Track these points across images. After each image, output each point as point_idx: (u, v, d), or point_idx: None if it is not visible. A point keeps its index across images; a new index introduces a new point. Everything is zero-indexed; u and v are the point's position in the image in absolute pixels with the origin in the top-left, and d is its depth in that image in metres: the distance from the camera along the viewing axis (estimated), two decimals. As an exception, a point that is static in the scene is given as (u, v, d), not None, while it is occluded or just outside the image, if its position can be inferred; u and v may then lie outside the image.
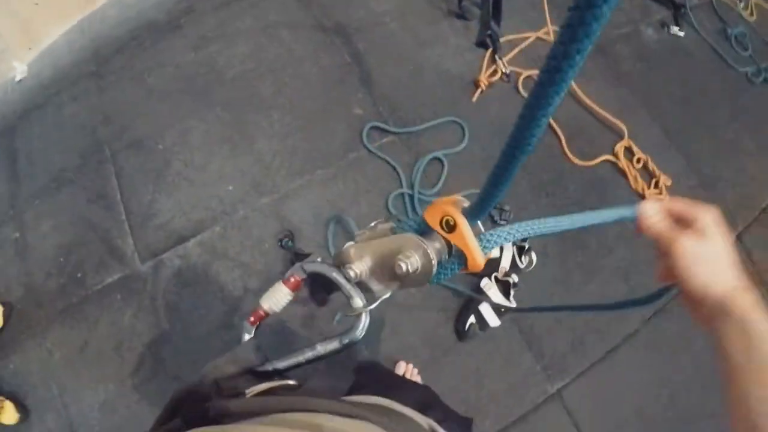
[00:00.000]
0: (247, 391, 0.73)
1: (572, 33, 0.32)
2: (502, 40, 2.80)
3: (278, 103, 2.59)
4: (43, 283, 2.29)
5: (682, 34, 3.21)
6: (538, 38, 2.92)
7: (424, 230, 0.70)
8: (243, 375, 0.82)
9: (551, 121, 2.66)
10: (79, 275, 2.28)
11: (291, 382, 0.80)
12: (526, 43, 2.90)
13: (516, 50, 2.86)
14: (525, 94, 2.74)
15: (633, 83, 2.95)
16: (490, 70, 2.75)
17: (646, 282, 2.42)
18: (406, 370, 2.12)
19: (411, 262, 0.68)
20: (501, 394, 2.18)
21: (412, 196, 2.40)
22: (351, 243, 0.80)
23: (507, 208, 2.40)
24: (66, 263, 2.31)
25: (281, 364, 0.82)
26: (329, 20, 2.85)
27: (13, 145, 2.62)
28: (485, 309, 2.21)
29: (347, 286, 0.78)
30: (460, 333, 2.21)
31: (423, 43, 2.84)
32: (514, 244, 2.31)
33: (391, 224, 0.78)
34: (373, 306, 0.76)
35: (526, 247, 2.30)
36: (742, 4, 3.56)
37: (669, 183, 2.65)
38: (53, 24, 2.91)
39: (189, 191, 2.39)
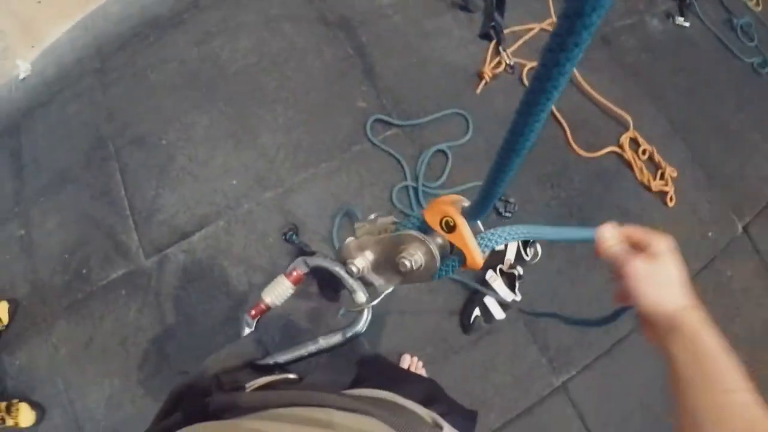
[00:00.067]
0: (247, 385, 0.73)
1: (570, 24, 0.31)
2: (506, 31, 2.78)
3: (281, 96, 2.59)
4: (49, 279, 2.30)
5: (687, 24, 3.18)
6: (543, 29, 2.90)
7: (426, 227, 0.70)
8: (244, 369, 0.81)
9: (556, 112, 2.65)
10: (84, 271, 2.29)
11: (291, 375, 0.80)
12: (531, 34, 2.88)
13: (520, 42, 2.84)
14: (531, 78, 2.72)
15: (638, 74, 2.93)
16: (494, 61, 2.74)
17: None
18: (411, 363, 2.11)
19: (415, 260, 0.69)
20: (506, 386, 2.17)
21: (416, 189, 2.39)
22: (351, 238, 0.80)
23: (512, 200, 2.38)
24: (71, 260, 2.32)
25: (283, 358, 0.82)
26: (332, 13, 2.84)
27: (18, 143, 2.63)
28: (490, 302, 2.20)
29: (350, 281, 0.79)
30: (465, 326, 2.20)
31: (426, 36, 2.82)
32: (519, 236, 2.29)
33: (392, 218, 0.78)
34: (375, 302, 0.77)
35: (531, 240, 2.29)
36: (747, -6, 3.53)
37: (675, 174, 2.62)
38: (56, 22, 2.92)
39: (193, 186, 2.39)
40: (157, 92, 2.63)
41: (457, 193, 2.26)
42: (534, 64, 2.76)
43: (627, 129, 2.70)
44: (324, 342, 0.83)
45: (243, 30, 2.78)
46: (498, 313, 2.19)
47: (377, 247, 0.76)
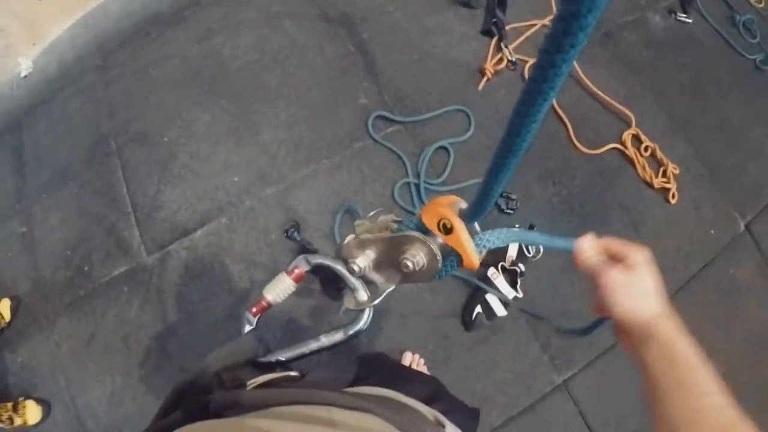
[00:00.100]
0: (249, 382, 0.73)
1: (565, 26, 0.31)
2: (507, 28, 2.78)
3: (283, 93, 2.59)
4: (51, 276, 2.30)
5: (689, 20, 3.17)
6: (544, 26, 2.89)
7: (425, 227, 0.71)
8: (245, 366, 0.81)
9: (558, 108, 2.64)
10: (85, 268, 2.29)
11: (293, 373, 0.79)
12: (532, 30, 2.87)
13: (522, 38, 2.83)
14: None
15: (640, 71, 2.92)
16: (496, 58, 2.73)
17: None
18: (412, 360, 2.11)
19: (417, 261, 0.70)
20: (508, 384, 2.17)
21: (418, 186, 2.39)
22: (352, 236, 0.81)
23: (514, 196, 2.38)
24: (73, 256, 2.32)
25: (285, 356, 0.82)
26: (333, 10, 2.84)
27: (20, 141, 2.63)
28: (492, 298, 2.20)
29: (352, 280, 0.80)
30: (467, 323, 2.20)
31: (428, 32, 2.82)
32: (521, 233, 2.29)
33: (392, 216, 0.79)
34: (377, 301, 0.78)
35: (533, 236, 2.28)
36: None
37: (677, 171, 2.62)
38: (57, 19, 2.92)
39: (194, 183, 2.39)
40: (159, 89, 2.63)
41: (458, 189, 2.27)
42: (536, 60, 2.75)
43: (629, 126, 2.70)
44: (326, 339, 0.83)
45: (244, 27, 2.78)
46: (500, 310, 2.19)
47: (378, 247, 0.77)
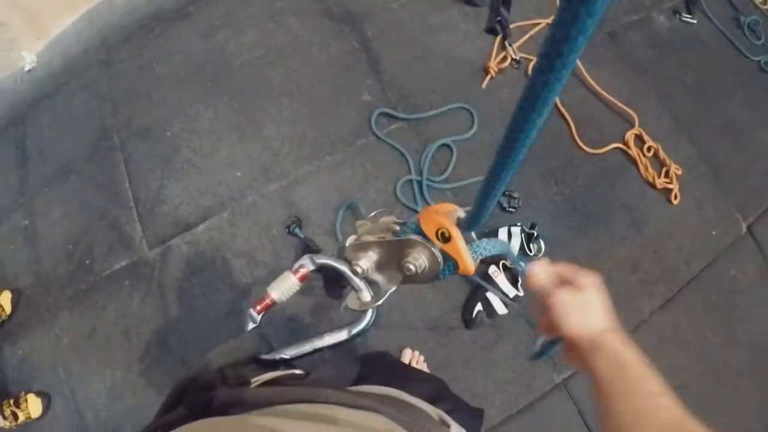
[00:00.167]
0: (253, 380, 0.73)
1: (564, 30, 0.30)
2: (511, 26, 2.78)
3: (287, 89, 2.59)
4: (52, 269, 2.31)
5: (694, 21, 3.16)
6: (548, 25, 2.88)
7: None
8: (248, 363, 0.81)
9: (561, 107, 2.64)
10: (87, 262, 2.30)
11: (297, 371, 0.79)
12: (536, 29, 2.87)
13: (526, 36, 2.83)
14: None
15: (644, 70, 2.91)
16: (500, 56, 2.73)
17: (653, 274, 2.40)
18: (412, 357, 2.11)
19: (419, 264, 0.73)
20: (507, 382, 2.16)
21: (420, 183, 2.39)
22: (353, 236, 0.83)
23: (516, 195, 2.38)
24: (74, 250, 2.33)
25: (288, 353, 0.83)
26: (337, 7, 2.84)
27: (23, 134, 2.64)
28: (493, 297, 2.19)
29: (356, 280, 0.81)
30: (468, 321, 2.20)
31: (432, 29, 2.82)
32: (522, 231, 2.29)
33: (392, 218, 0.81)
34: (380, 301, 0.79)
35: (535, 234, 2.28)
36: (755, -8, 3.50)
37: (680, 172, 2.61)
38: (61, 14, 2.92)
39: (197, 178, 2.40)
40: (162, 84, 2.63)
41: (461, 187, 2.27)
42: (540, 59, 2.75)
43: (632, 125, 2.69)
44: (329, 338, 0.84)
45: (248, 23, 2.78)
46: (500, 309, 2.19)
47: (380, 249, 0.79)
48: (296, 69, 2.65)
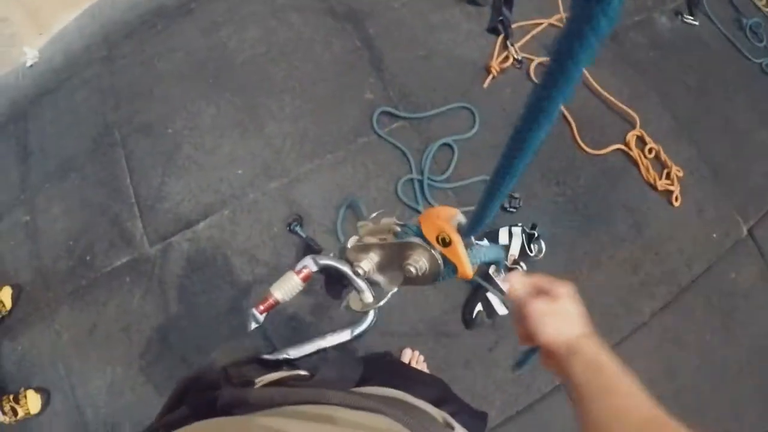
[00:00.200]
0: (257, 380, 0.73)
1: (577, 29, 0.29)
2: (514, 26, 2.78)
3: (289, 87, 2.59)
4: (53, 265, 2.31)
5: (696, 23, 3.16)
6: (551, 25, 2.89)
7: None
8: (251, 363, 0.81)
9: (562, 108, 2.63)
10: (88, 258, 2.30)
11: (302, 372, 0.79)
12: (538, 29, 2.87)
13: (528, 36, 2.83)
14: (537, 81, 2.70)
15: (645, 72, 2.91)
16: (502, 56, 2.73)
17: (654, 276, 2.40)
18: (412, 357, 2.11)
19: (419, 266, 0.75)
20: (507, 383, 2.16)
21: (421, 182, 2.39)
22: (355, 237, 0.84)
23: (517, 195, 2.37)
24: (75, 246, 2.33)
25: (293, 353, 0.83)
26: (340, 4, 2.84)
27: (25, 130, 2.64)
28: (493, 297, 2.19)
29: (358, 282, 0.82)
30: (468, 321, 2.20)
31: (434, 28, 2.82)
32: (523, 231, 2.29)
33: (394, 219, 0.82)
34: (382, 302, 0.80)
35: (536, 235, 2.28)
36: (757, -6, 3.50)
37: (681, 174, 2.60)
38: (63, 9, 2.92)
39: (198, 175, 2.40)
40: (164, 81, 2.63)
41: (462, 186, 2.27)
42: (542, 59, 2.75)
43: (634, 127, 2.69)
44: (332, 338, 0.85)
45: (250, 19, 2.78)
46: (500, 309, 2.19)
47: (382, 251, 0.80)
48: (298, 66, 2.65)
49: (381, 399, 0.71)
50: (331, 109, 2.55)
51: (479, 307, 2.18)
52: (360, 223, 0.86)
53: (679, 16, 3.17)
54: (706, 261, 2.48)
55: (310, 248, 2.18)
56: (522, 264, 2.21)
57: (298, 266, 0.84)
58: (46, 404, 2.07)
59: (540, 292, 0.73)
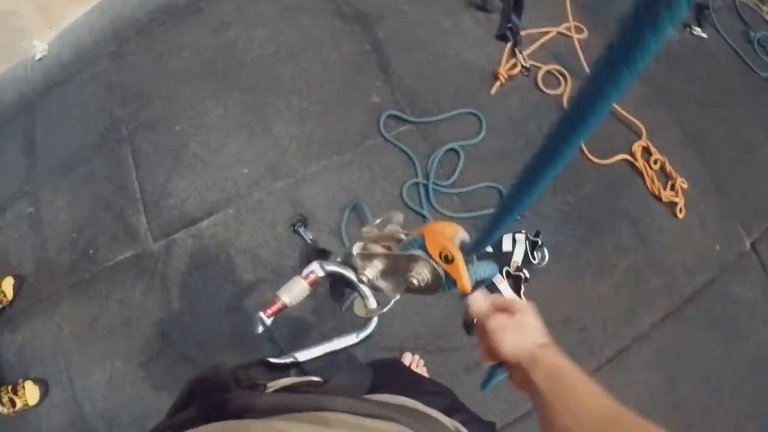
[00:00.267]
0: (269, 384, 0.73)
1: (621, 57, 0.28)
2: (522, 33, 2.78)
3: (296, 87, 2.59)
4: (56, 258, 2.31)
5: (704, 35, 3.17)
6: (559, 33, 2.89)
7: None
8: (257, 365, 0.81)
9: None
10: (91, 251, 2.30)
11: (315, 378, 0.80)
12: (547, 38, 2.87)
13: (536, 44, 2.84)
14: (544, 89, 2.72)
15: (653, 83, 2.90)
16: (510, 63, 2.73)
17: (656, 287, 2.40)
18: (412, 361, 2.11)
19: (421, 278, 0.77)
20: (506, 389, 2.14)
21: (426, 187, 2.39)
22: (360, 243, 0.85)
23: (522, 202, 2.37)
24: (79, 239, 2.33)
25: (301, 356, 0.83)
26: (349, 7, 2.85)
27: (32, 123, 2.65)
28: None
29: (363, 288, 0.84)
30: (468, 326, 2.18)
31: (443, 33, 2.83)
32: (527, 239, 2.29)
33: (398, 228, 0.85)
34: (385, 309, 0.82)
35: (539, 243, 2.28)
36: (765, 8, 3.50)
37: (686, 186, 2.60)
38: (73, 4, 2.93)
39: (204, 173, 2.40)
40: (173, 78, 2.64)
41: (467, 192, 2.26)
42: (549, 67, 2.76)
43: (639, 137, 2.69)
44: (339, 342, 0.86)
45: (259, 19, 2.79)
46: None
47: (386, 261, 0.82)
48: (306, 67, 2.65)
49: (394, 407, 0.71)
50: (338, 111, 2.55)
51: (480, 312, 2.17)
52: (365, 229, 0.88)
53: (688, 28, 3.18)
54: (708, 273, 2.48)
55: (313, 252, 2.18)
56: (525, 271, 2.21)
57: (305, 271, 0.85)
58: (44, 396, 2.07)
59: (499, 310, 0.76)
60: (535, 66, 2.75)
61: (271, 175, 2.39)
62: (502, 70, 2.68)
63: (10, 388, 2.03)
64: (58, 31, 2.91)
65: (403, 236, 0.83)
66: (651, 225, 2.53)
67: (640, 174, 2.63)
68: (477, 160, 2.49)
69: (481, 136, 2.54)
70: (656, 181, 2.59)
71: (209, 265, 2.23)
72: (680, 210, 2.54)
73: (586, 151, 2.59)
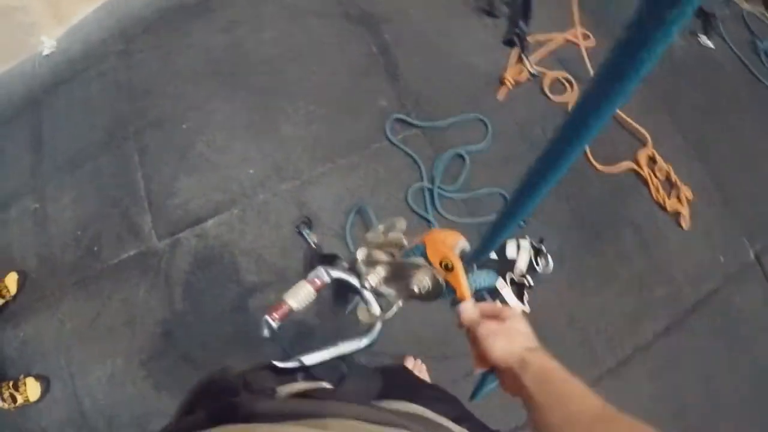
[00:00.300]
0: (278, 389, 0.73)
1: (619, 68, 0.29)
2: (529, 39, 2.78)
3: (304, 89, 2.60)
4: (60, 254, 2.31)
5: (711, 44, 3.17)
6: (566, 40, 2.89)
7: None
8: (264, 369, 0.82)
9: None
10: (95, 249, 2.30)
11: (326, 385, 0.80)
12: (554, 44, 2.87)
13: (543, 50, 2.84)
14: (551, 95, 2.72)
15: (659, 91, 2.90)
16: (517, 68, 2.73)
17: (659, 296, 2.40)
18: (414, 365, 2.10)
19: (423, 286, 0.80)
20: (508, 396, 2.15)
21: (431, 191, 2.39)
22: (364, 249, 0.88)
23: (526, 208, 2.37)
24: (83, 236, 2.33)
25: (307, 360, 0.84)
26: (357, 10, 2.85)
27: (39, 119, 2.64)
28: (497, 308, 2.19)
29: (366, 294, 0.86)
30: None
31: (450, 38, 2.83)
32: (532, 245, 2.28)
33: (400, 235, 0.86)
34: (388, 315, 0.85)
35: (544, 250, 2.27)
36: (773, 18, 3.50)
37: (690, 195, 2.59)
38: (82, 1, 2.93)
39: (210, 172, 2.40)
40: (180, 77, 2.64)
41: (472, 197, 2.25)
42: (556, 74, 2.76)
43: (645, 145, 2.69)
44: (344, 347, 0.87)
45: (268, 21, 2.79)
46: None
47: (389, 268, 0.85)
48: (314, 69, 2.66)
49: (404, 414, 0.72)
50: (345, 113, 2.56)
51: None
52: (369, 235, 0.89)
53: (695, 37, 3.17)
54: (712, 283, 2.48)
55: (324, 259, 2.17)
56: (529, 278, 2.20)
57: (311, 276, 0.87)
58: (45, 392, 2.07)
59: (489, 317, 0.77)
60: (541, 72, 2.76)
61: (277, 177, 2.39)
62: (509, 76, 2.68)
63: (11, 383, 2.03)
64: (67, 28, 2.92)
65: (405, 243, 0.85)
66: (655, 234, 2.52)
67: (645, 182, 2.63)
68: (483, 166, 2.49)
69: (487, 142, 2.54)
70: (661, 190, 2.59)
71: (213, 265, 2.23)
72: (684, 219, 2.54)
73: (591, 158, 2.59)
